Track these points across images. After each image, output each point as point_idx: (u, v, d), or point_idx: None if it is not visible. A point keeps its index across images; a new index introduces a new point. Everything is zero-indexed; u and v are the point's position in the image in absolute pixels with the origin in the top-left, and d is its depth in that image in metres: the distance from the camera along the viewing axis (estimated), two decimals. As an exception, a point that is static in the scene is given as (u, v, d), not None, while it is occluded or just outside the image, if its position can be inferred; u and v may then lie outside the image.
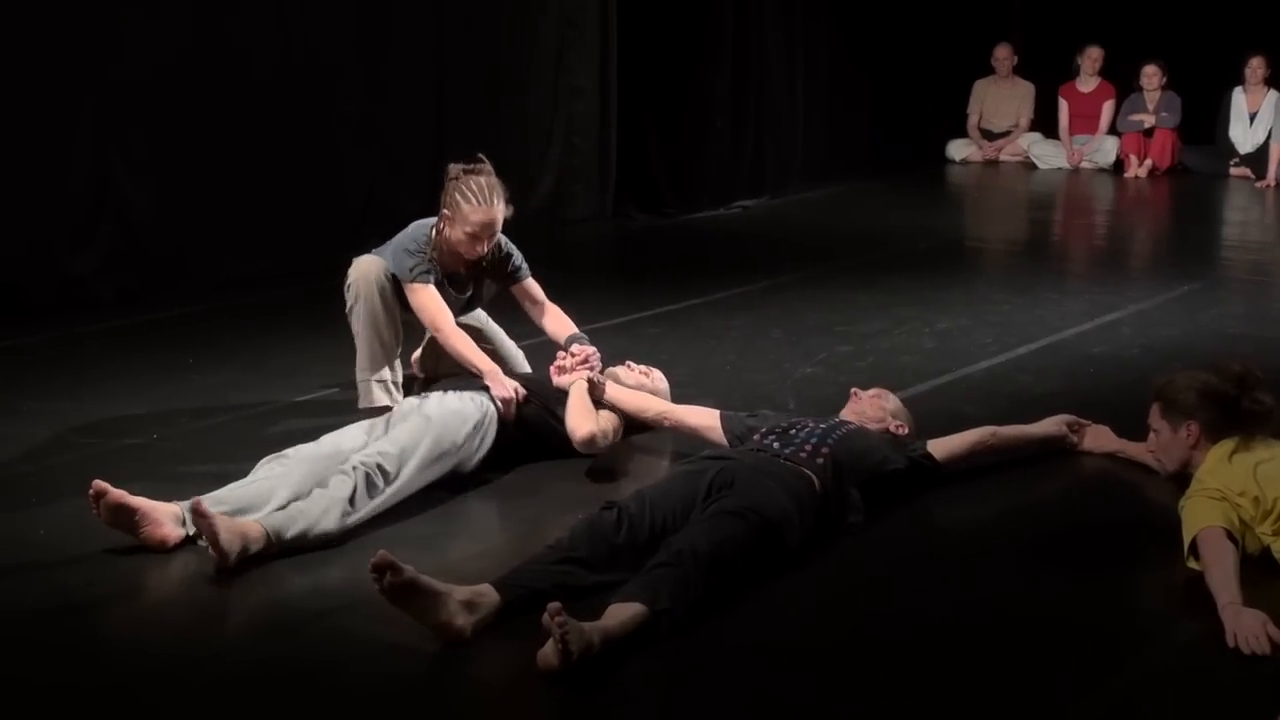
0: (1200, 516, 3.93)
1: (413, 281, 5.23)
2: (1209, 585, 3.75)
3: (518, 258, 5.51)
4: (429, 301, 5.24)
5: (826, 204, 11.62)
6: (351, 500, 4.26)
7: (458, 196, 5.18)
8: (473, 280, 5.49)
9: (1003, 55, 13.85)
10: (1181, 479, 4.39)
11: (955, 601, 3.93)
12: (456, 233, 5.21)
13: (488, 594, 3.64)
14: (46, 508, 4.50)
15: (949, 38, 13.60)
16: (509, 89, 9.74)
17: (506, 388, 4.92)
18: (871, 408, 4.81)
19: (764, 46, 11.54)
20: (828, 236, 10.09)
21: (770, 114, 11.67)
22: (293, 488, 4.31)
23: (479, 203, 5.17)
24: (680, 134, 10.75)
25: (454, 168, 5.26)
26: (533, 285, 5.54)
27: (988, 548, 4.35)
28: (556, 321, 5.48)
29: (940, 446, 4.75)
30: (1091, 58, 13.47)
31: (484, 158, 5.31)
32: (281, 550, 4.09)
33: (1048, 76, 13.64)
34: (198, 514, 3.98)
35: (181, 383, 5.93)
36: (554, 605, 3.35)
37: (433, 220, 5.33)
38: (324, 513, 4.20)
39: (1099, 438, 5.04)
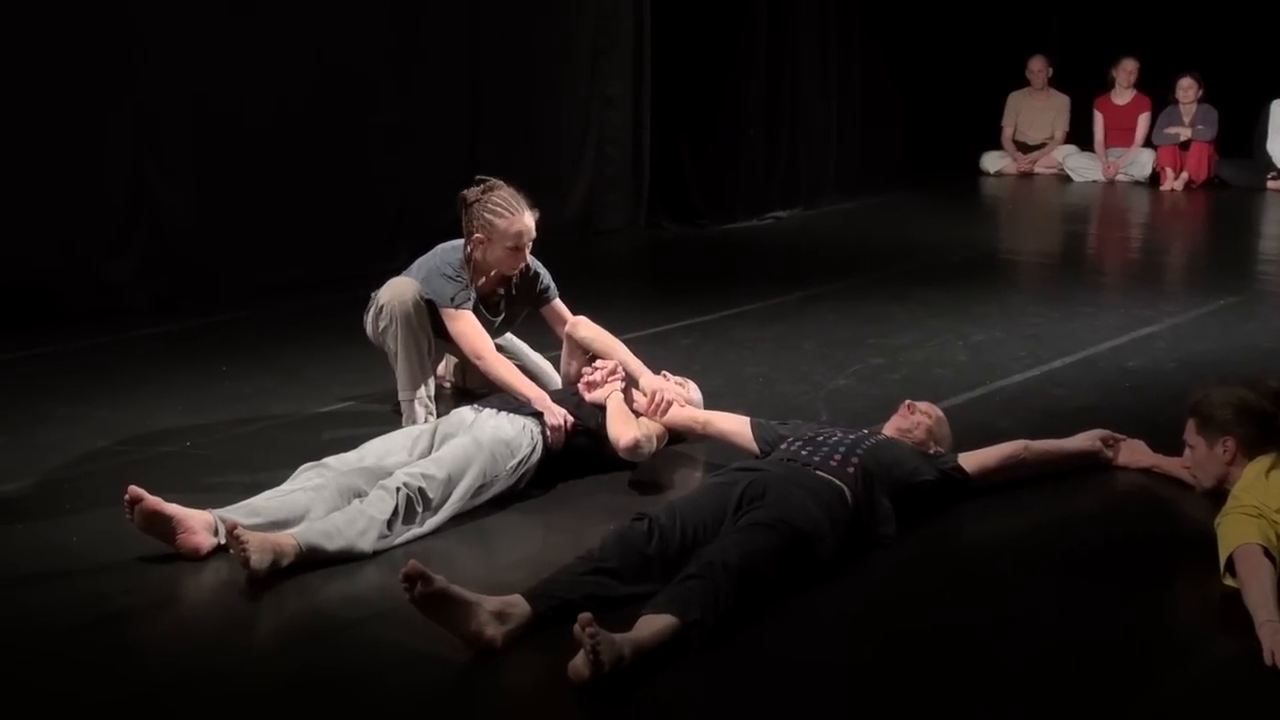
0: (1237, 533, 3.90)
1: (454, 308, 5.23)
2: (1246, 602, 3.72)
3: (545, 277, 5.51)
4: (470, 328, 5.24)
5: (860, 215, 11.60)
6: (389, 524, 4.25)
7: (487, 215, 5.19)
8: (505, 301, 5.49)
9: (1037, 67, 13.80)
10: (1218, 495, 4.36)
11: (989, 616, 3.91)
12: (495, 250, 5.23)
13: (518, 604, 3.64)
14: (81, 515, 4.52)
15: (984, 49, 13.57)
16: (542, 98, 9.76)
17: (557, 415, 4.91)
18: (918, 428, 4.78)
19: (798, 57, 11.54)
20: (861, 248, 10.07)
21: (804, 125, 11.67)
22: (328, 503, 4.32)
23: (511, 214, 5.19)
24: (714, 144, 10.75)
25: (470, 193, 5.27)
26: (561, 306, 5.54)
27: (1022, 562, 4.33)
28: (605, 341, 5.43)
29: (972, 459, 4.73)
30: (1127, 70, 13.41)
31: (488, 178, 5.32)
32: (314, 564, 4.10)
33: (1083, 89, 13.60)
34: (232, 536, 3.98)
35: (216, 390, 5.95)
36: (585, 616, 3.35)
37: (459, 244, 5.33)
38: (361, 534, 4.19)
39: (1134, 453, 5.01)
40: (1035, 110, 13.87)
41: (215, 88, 7.72)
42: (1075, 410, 5.67)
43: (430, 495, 4.38)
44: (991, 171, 13.83)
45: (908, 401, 4.90)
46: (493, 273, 5.35)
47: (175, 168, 7.63)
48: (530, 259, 5.40)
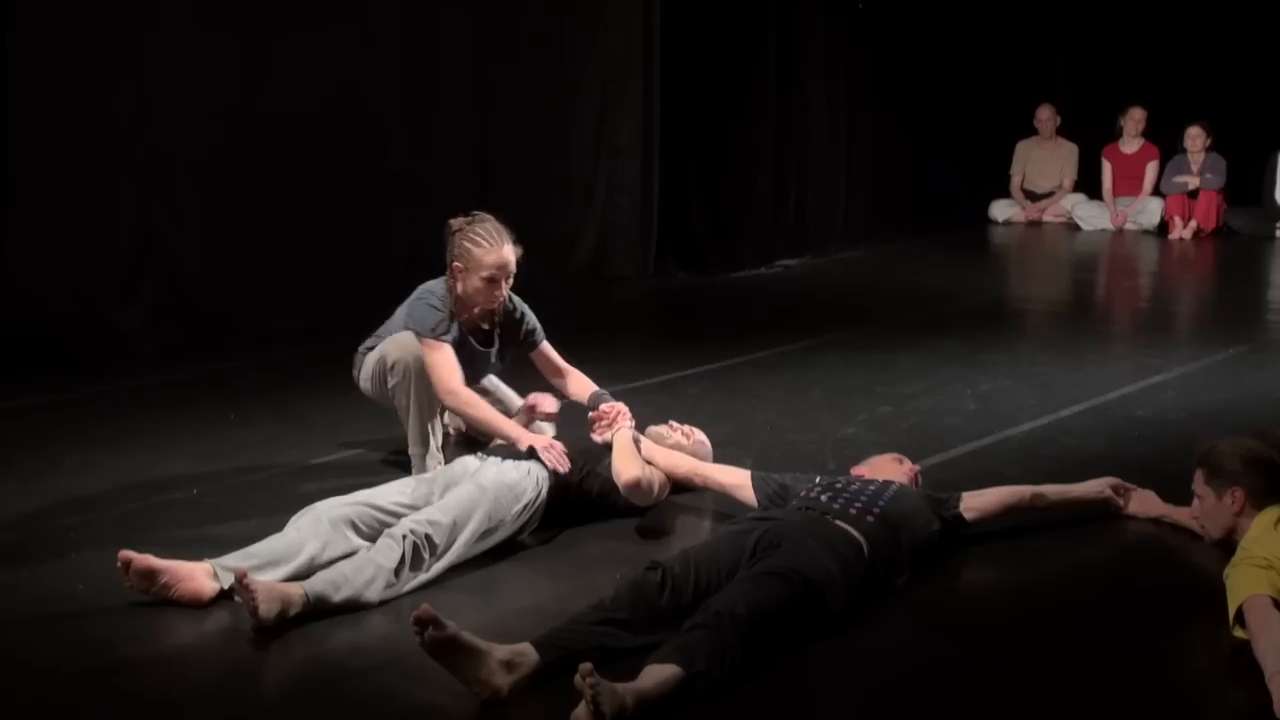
0: (1246, 585, 3.88)
1: (434, 338, 5.16)
2: (1256, 654, 3.70)
3: (531, 318, 5.46)
4: (443, 361, 5.14)
5: (869, 264, 11.61)
6: (397, 572, 4.24)
7: (466, 244, 5.12)
8: (498, 335, 5.42)
9: (1045, 116, 13.84)
10: (1226, 546, 4.34)
11: (997, 666, 3.89)
12: (473, 281, 5.14)
13: (527, 654, 3.63)
14: (87, 562, 4.51)
15: (992, 98, 13.62)
16: (551, 146, 9.80)
17: (546, 442, 4.92)
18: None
19: (806, 105, 11.59)
20: (870, 296, 10.07)
21: (813, 173, 11.71)
22: (322, 538, 4.33)
23: (490, 244, 5.11)
24: (722, 192, 10.79)
25: (455, 222, 5.20)
26: (550, 350, 5.50)
27: (1031, 612, 4.30)
28: (579, 383, 5.45)
29: (975, 500, 4.74)
30: (1134, 119, 13.44)
31: (478, 212, 5.26)
32: (320, 614, 4.10)
33: (1091, 137, 13.63)
34: (240, 584, 3.97)
35: (224, 438, 5.95)
36: (585, 666, 3.33)
37: (442, 280, 5.26)
38: (368, 583, 4.18)
39: (1144, 502, 4.99)
40: (1043, 159, 13.90)
41: (226, 135, 7.76)
42: (1084, 459, 5.65)
43: (437, 541, 4.37)
44: (1000, 220, 13.85)
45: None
46: (476, 310, 5.26)
47: (185, 215, 7.67)
48: (514, 298, 5.35)
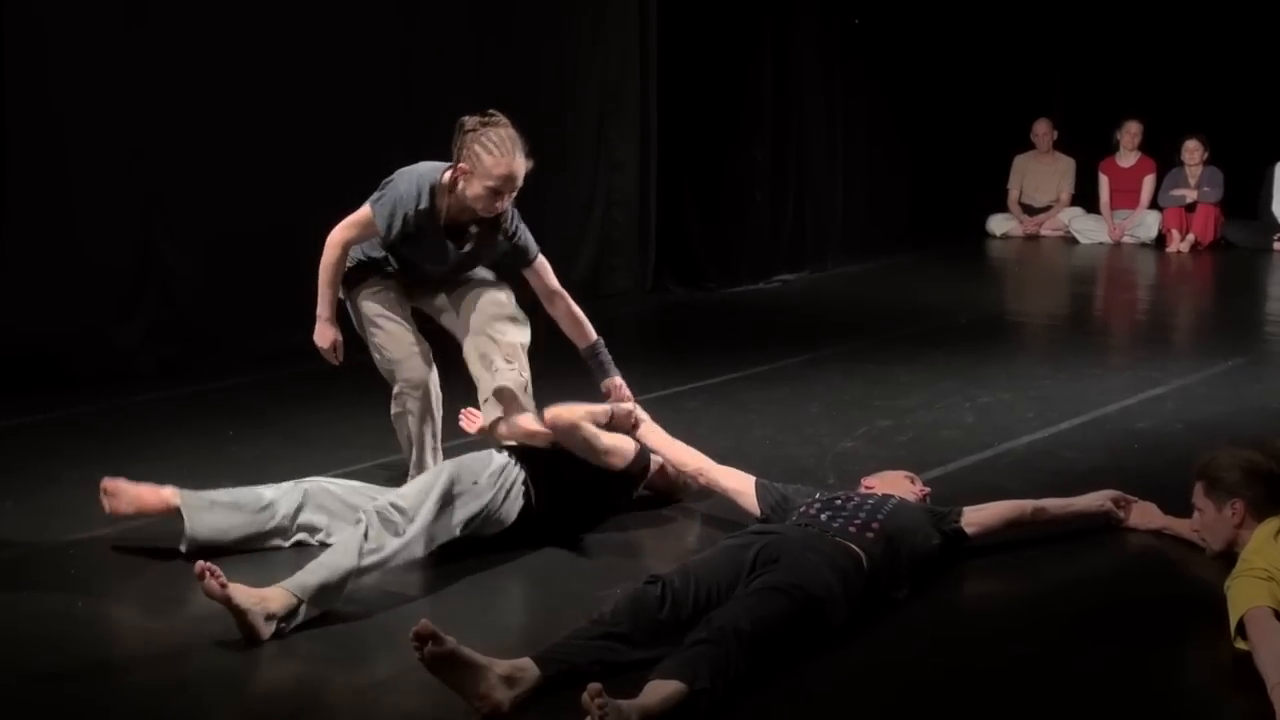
0: (1247, 596, 3.88)
1: (375, 223, 5.03)
2: (1257, 665, 3.69)
3: (524, 236, 5.24)
4: (358, 230, 5.09)
5: (866, 278, 11.62)
6: (366, 535, 4.23)
7: (477, 149, 4.91)
8: (475, 239, 5.18)
9: (1042, 130, 13.86)
10: (1227, 558, 4.34)
11: (998, 679, 3.89)
12: (475, 187, 4.94)
13: (528, 668, 3.62)
14: (86, 580, 4.51)
15: (988, 112, 13.64)
16: (549, 162, 9.73)
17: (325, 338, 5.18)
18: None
19: (804, 120, 11.60)
20: (867, 310, 10.08)
21: (810, 188, 11.71)
22: (280, 489, 4.65)
23: (501, 154, 4.91)
24: (720, 207, 10.79)
25: (469, 120, 4.99)
26: (544, 267, 5.29)
27: (1032, 624, 4.30)
28: (572, 322, 5.33)
29: (976, 514, 4.73)
30: (1131, 132, 13.46)
31: (495, 112, 5.09)
32: (313, 608, 4.09)
33: (1087, 151, 13.65)
34: (210, 589, 3.96)
35: (221, 455, 5.95)
36: (594, 687, 3.32)
37: (438, 169, 5.07)
38: (343, 554, 4.19)
39: (1145, 514, 4.99)
40: (1040, 173, 13.91)
41: (223, 153, 7.76)
42: (1084, 472, 5.65)
43: (404, 505, 4.38)
44: (998, 234, 13.86)
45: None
46: (465, 207, 5.05)
47: (183, 233, 7.66)
48: (513, 212, 5.17)
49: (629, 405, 5.19)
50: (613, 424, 5.06)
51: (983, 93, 13.56)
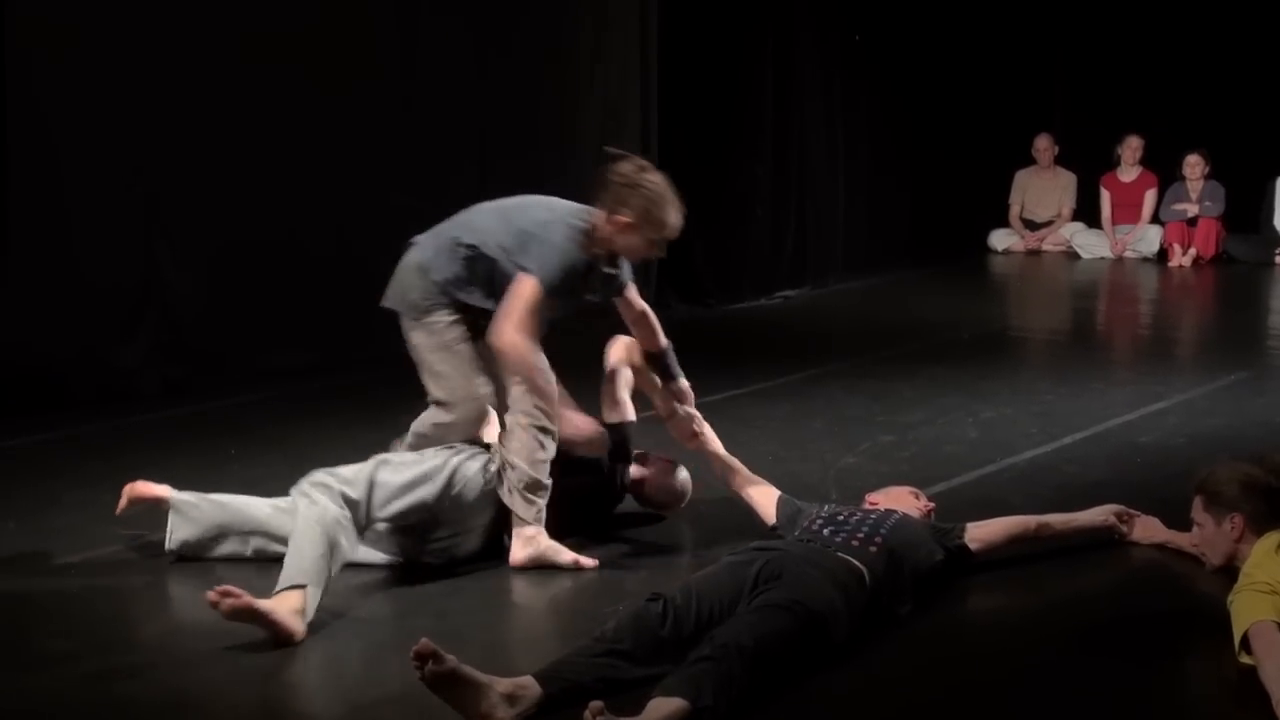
0: (1251, 611, 3.86)
1: (541, 288, 4.64)
2: (1262, 679, 3.67)
3: (627, 269, 5.09)
4: (531, 305, 4.63)
5: (868, 294, 11.62)
6: (301, 489, 4.39)
7: (643, 203, 4.72)
8: (603, 282, 4.99)
9: (1043, 146, 13.88)
10: (1228, 571, 4.33)
11: (1001, 694, 3.87)
12: (634, 239, 4.75)
13: (529, 686, 3.61)
14: (88, 600, 4.50)
15: (989, 128, 13.66)
16: (551, 180, 9.76)
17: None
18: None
19: (805, 137, 11.61)
20: (869, 326, 10.08)
21: (811, 204, 11.72)
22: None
23: (670, 208, 4.77)
24: (721, 224, 10.79)
25: (624, 166, 4.80)
26: (633, 290, 5.12)
27: (1036, 639, 4.29)
28: (649, 330, 5.18)
29: (980, 530, 4.72)
30: (1132, 147, 13.48)
31: (638, 157, 4.91)
32: (317, 588, 4.17)
33: (1089, 166, 13.67)
34: (234, 607, 3.98)
35: (224, 474, 5.93)
36: (596, 704, 3.32)
37: (576, 217, 4.86)
38: (303, 525, 4.28)
39: (1148, 528, 4.98)
40: (1042, 188, 13.93)
41: (225, 171, 7.76)
42: (1087, 486, 5.64)
43: (338, 472, 4.49)
44: (999, 249, 13.87)
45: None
46: (606, 253, 4.83)
47: (185, 251, 7.66)
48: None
49: (692, 412, 5.23)
50: (674, 427, 5.17)
51: (984, 108, 13.59)
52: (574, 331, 5.32)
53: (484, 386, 4.91)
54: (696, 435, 5.24)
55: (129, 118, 7.33)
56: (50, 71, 7.05)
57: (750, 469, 5.21)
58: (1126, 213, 13.50)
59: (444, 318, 4.92)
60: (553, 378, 4.73)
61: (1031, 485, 5.76)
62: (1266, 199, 12.89)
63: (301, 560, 4.17)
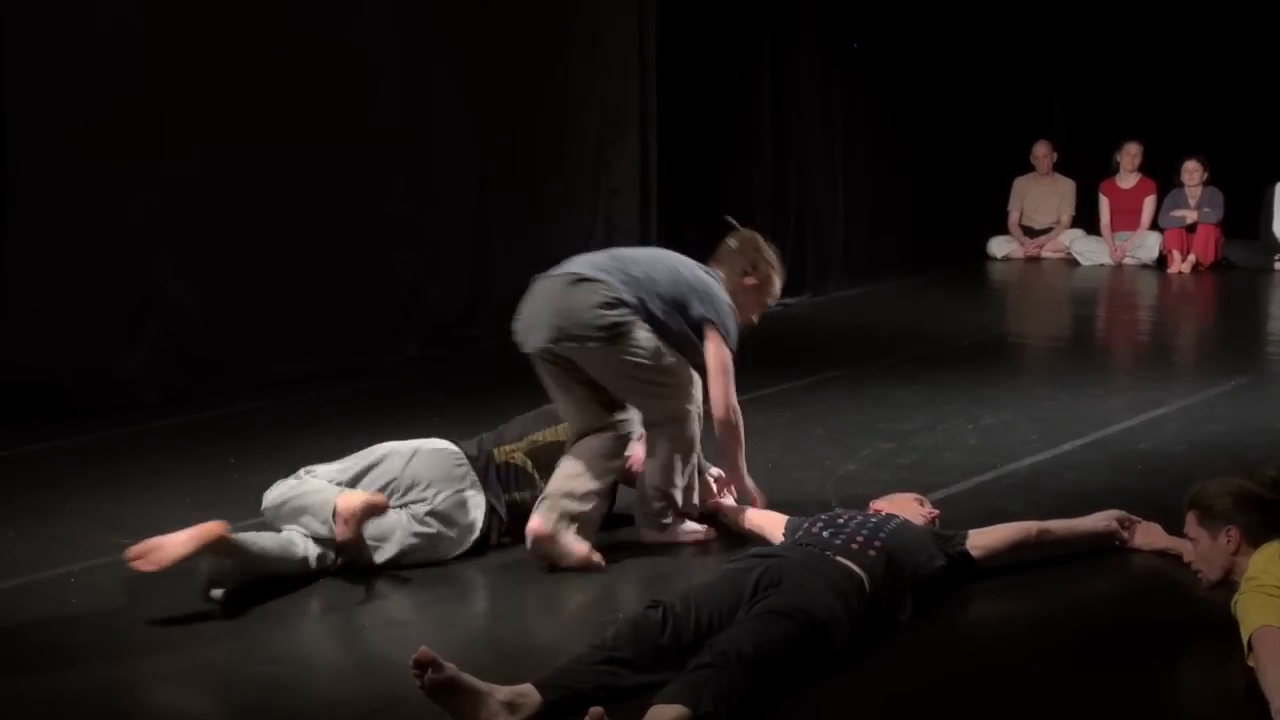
0: (1258, 614, 3.83)
1: (729, 347, 4.95)
2: (1263, 686, 3.67)
3: None
4: (731, 371, 4.94)
5: (867, 301, 11.62)
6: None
7: (768, 269, 5.08)
8: None
9: (1042, 152, 13.87)
10: (1227, 585, 4.31)
11: (1002, 700, 3.87)
12: (752, 302, 5.11)
13: (529, 694, 3.61)
14: (88, 609, 4.50)
15: (988, 135, 13.65)
16: (550, 189, 9.81)
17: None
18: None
19: (803, 144, 11.61)
20: (869, 333, 10.07)
21: (810, 212, 11.71)
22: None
23: (782, 275, 5.14)
24: (720, 232, 10.75)
25: (753, 235, 5.11)
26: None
27: (1037, 646, 4.29)
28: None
29: (982, 538, 4.72)
30: (1130, 154, 13.47)
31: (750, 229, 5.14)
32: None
33: (1087, 173, 13.66)
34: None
35: (224, 483, 5.94)
36: (596, 711, 3.32)
37: (713, 276, 5.04)
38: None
39: (1149, 534, 4.97)
40: (1040, 195, 13.92)
41: (224, 181, 7.77)
42: (1086, 493, 5.63)
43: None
44: (998, 256, 13.85)
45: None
46: None
47: (184, 261, 7.66)
48: None
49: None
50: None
51: (982, 115, 13.58)
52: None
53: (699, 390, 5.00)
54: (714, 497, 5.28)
55: (129, 129, 7.33)
56: (51, 82, 7.06)
57: (750, 476, 5.22)
58: (1125, 219, 13.48)
59: (643, 332, 4.89)
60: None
61: (1031, 492, 5.75)
62: (1265, 205, 12.87)
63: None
